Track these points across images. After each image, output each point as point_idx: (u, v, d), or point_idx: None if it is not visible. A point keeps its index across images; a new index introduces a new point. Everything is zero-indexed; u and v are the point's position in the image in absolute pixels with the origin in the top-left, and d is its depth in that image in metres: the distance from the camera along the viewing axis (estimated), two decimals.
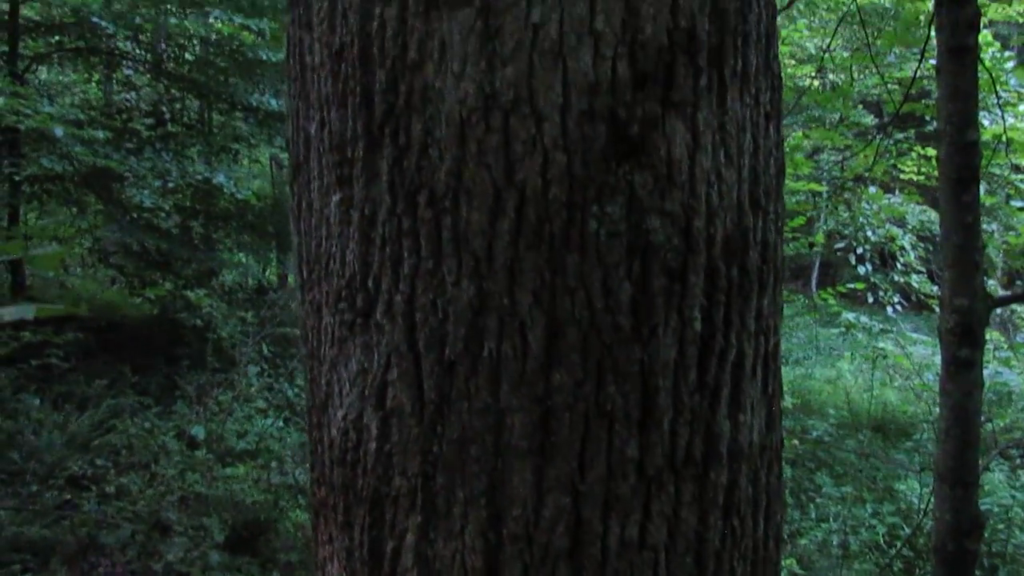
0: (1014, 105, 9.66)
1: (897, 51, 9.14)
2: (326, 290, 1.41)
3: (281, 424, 8.35)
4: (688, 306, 1.29)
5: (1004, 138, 7.24)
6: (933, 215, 11.46)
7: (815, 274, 18.58)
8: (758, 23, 1.39)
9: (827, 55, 7.22)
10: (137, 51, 11.91)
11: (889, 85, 9.48)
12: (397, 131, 1.27)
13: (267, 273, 11.70)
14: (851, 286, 9.25)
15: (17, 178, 9.04)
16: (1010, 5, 7.79)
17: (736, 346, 1.36)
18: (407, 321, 1.29)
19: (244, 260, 12.16)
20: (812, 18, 12.72)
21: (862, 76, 10.29)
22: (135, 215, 9.52)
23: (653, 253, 1.25)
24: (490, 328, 1.25)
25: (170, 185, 8.48)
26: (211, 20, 9.59)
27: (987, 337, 4.47)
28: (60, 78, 15.05)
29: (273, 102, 9.50)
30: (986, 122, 8.37)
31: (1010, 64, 8.92)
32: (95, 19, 9.32)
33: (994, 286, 13.45)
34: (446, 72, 1.23)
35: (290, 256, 11.40)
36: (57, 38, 11.43)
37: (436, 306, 1.27)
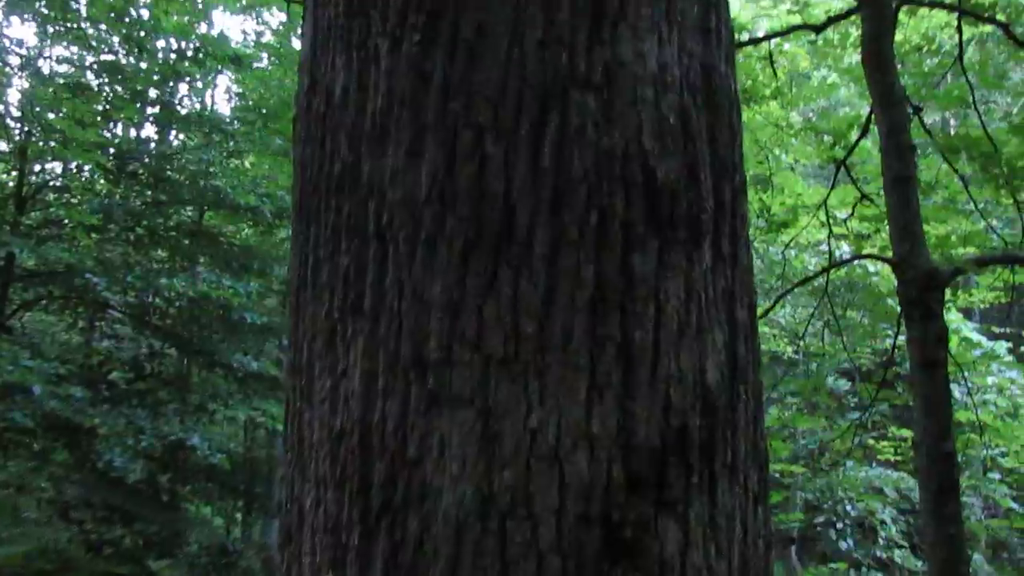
0: (983, 378, 9.94)
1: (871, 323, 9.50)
2: None
3: None
4: None
5: (978, 423, 7.43)
6: (912, 482, 11.43)
7: (795, 546, 18.21)
8: (746, 410, 1.44)
9: (803, 340, 7.48)
10: (124, 301, 12.11)
11: (864, 357, 9.71)
12: (393, 525, 1.27)
13: (231, 536, 11.32)
14: (833, 566, 9.08)
15: None
16: (971, 295, 8.24)
17: None
18: None
19: (209, 515, 11.80)
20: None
21: (836, 350, 10.56)
22: (101, 468, 9.31)
23: None
24: None
25: (143, 445, 8.38)
26: (200, 282, 9.85)
27: None
28: (44, 316, 15.22)
29: (254, 364, 9.58)
30: (957, 394, 8.57)
31: (975, 336, 9.27)
32: (88, 275, 9.55)
33: (980, 561, 13.24)
34: (445, 471, 1.25)
35: (255, 516, 11.09)
36: (48, 288, 11.67)
37: None
